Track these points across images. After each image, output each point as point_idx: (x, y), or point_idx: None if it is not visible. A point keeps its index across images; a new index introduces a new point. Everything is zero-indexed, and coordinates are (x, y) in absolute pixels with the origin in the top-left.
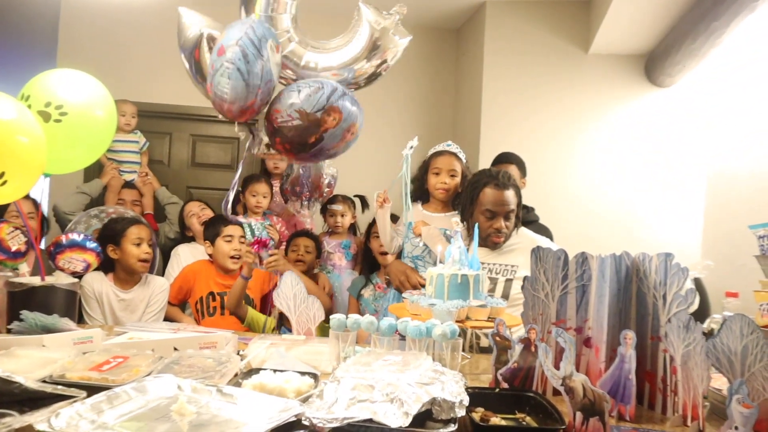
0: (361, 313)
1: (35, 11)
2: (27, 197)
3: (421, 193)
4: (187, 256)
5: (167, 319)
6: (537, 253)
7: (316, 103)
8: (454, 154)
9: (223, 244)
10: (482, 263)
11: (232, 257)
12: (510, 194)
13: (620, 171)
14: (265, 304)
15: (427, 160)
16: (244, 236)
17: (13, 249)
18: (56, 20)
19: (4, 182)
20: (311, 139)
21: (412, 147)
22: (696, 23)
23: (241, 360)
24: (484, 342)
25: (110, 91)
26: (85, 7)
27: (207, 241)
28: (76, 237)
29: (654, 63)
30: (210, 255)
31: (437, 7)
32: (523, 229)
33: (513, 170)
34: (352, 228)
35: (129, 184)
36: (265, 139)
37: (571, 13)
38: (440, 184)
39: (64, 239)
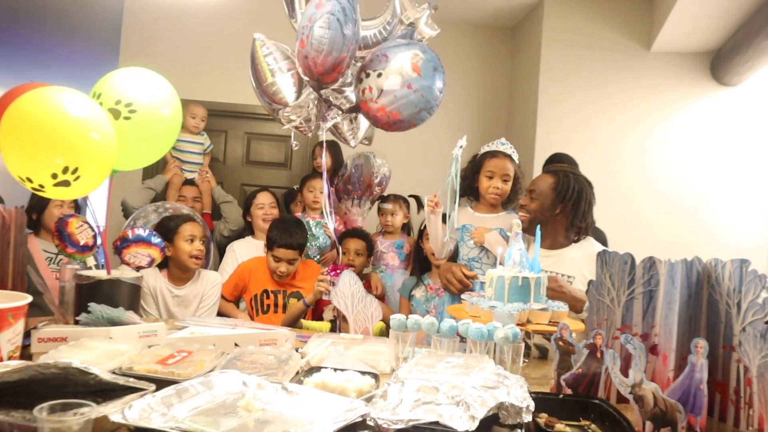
0: (413, 313)
1: (99, 10)
2: None
3: (470, 192)
4: (242, 251)
5: (222, 314)
6: (603, 256)
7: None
8: (509, 156)
9: (269, 259)
10: (543, 271)
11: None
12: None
13: (685, 173)
14: (317, 303)
15: (479, 160)
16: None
17: (82, 243)
18: (119, 19)
19: (78, 177)
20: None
21: (461, 147)
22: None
23: (301, 357)
24: (539, 338)
25: None
26: (146, 7)
27: (266, 246)
28: (141, 232)
29: (721, 61)
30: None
31: (492, 6)
32: (591, 241)
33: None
34: (406, 228)
35: (190, 181)
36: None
37: (632, 9)
38: (493, 189)
39: (130, 234)
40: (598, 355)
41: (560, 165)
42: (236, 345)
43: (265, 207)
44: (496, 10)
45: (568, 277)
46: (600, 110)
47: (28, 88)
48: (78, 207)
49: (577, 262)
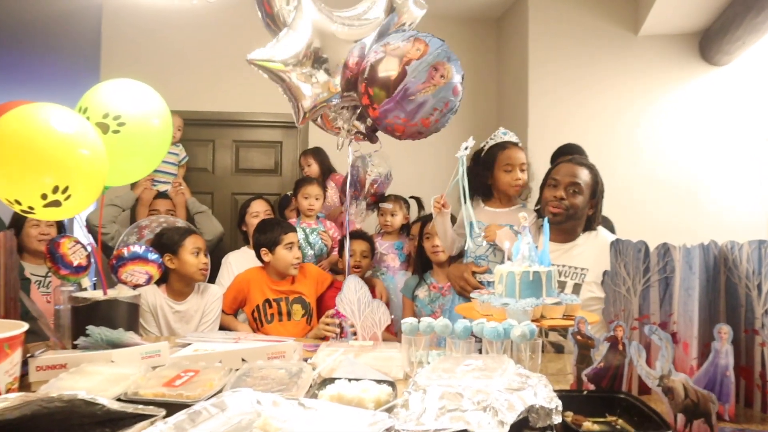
0: (417, 315)
1: (77, 24)
2: None
3: (481, 189)
4: (239, 262)
5: (223, 327)
6: (616, 246)
7: (402, 37)
8: (517, 145)
9: (285, 252)
10: (552, 264)
11: (293, 265)
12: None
13: (679, 154)
14: (320, 306)
15: (490, 155)
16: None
17: (75, 263)
18: (98, 32)
19: (68, 196)
20: (393, 75)
21: (467, 148)
22: None
23: (312, 369)
24: (553, 335)
25: None
26: (126, 19)
27: (265, 249)
28: (137, 249)
29: (710, 41)
30: (266, 262)
31: None
32: (601, 231)
33: None
34: (406, 229)
35: (163, 195)
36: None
37: None
38: (515, 181)
39: (125, 252)
40: (620, 347)
41: (575, 155)
42: (243, 360)
43: (260, 215)
44: (481, 2)
45: (582, 269)
46: (591, 97)
47: (12, 106)
48: (61, 226)
49: (589, 254)
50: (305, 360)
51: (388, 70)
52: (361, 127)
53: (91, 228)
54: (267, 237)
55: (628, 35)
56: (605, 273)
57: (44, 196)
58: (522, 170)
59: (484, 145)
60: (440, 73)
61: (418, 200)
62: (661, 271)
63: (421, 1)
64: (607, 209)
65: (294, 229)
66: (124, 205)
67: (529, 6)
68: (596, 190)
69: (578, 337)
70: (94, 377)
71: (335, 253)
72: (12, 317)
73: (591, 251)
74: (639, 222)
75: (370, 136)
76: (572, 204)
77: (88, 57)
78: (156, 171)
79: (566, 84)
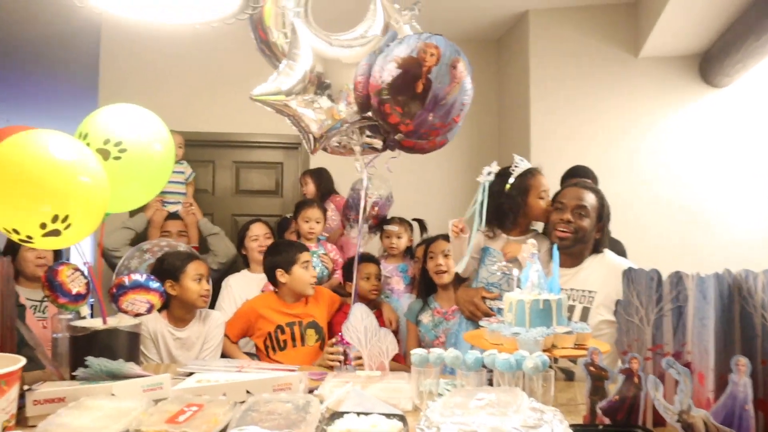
0: (421, 340)
1: (76, 46)
2: None
3: (508, 217)
4: (239, 286)
5: (224, 354)
6: (629, 275)
7: (408, 46)
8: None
9: (302, 271)
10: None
11: (311, 284)
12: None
13: (680, 176)
14: (331, 329)
15: (525, 181)
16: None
17: (74, 292)
18: (96, 52)
19: (68, 225)
20: (419, 86)
21: (490, 173)
22: (760, 18)
23: (320, 402)
24: (563, 361)
25: None
26: (124, 39)
27: (280, 270)
28: (138, 278)
29: (710, 63)
30: (283, 283)
31: (476, 19)
32: (607, 253)
33: None
34: (409, 251)
35: (174, 215)
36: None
37: (617, 17)
38: (549, 207)
39: (126, 280)
40: (636, 380)
41: (580, 179)
42: (248, 392)
43: (259, 238)
44: (481, 24)
45: (589, 292)
46: (593, 118)
47: (11, 131)
48: (57, 251)
49: (596, 277)
50: (311, 390)
51: (412, 83)
52: (375, 142)
53: (105, 253)
54: (282, 257)
55: (628, 57)
56: (618, 302)
57: (43, 225)
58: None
59: (503, 172)
60: (459, 68)
61: (420, 222)
62: (674, 300)
63: (417, 27)
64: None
65: (307, 249)
66: (137, 228)
67: (530, 27)
68: (602, 213)
69: (591, 368)
70: (93, 413)
71: (337, 275)
72: (9, 346)
73: (598, 274)
74: (639, 243)
75: (392, 145)
76: (580, 227)
77: (86, 77)
78: (165, 192)
79: (567, 105)
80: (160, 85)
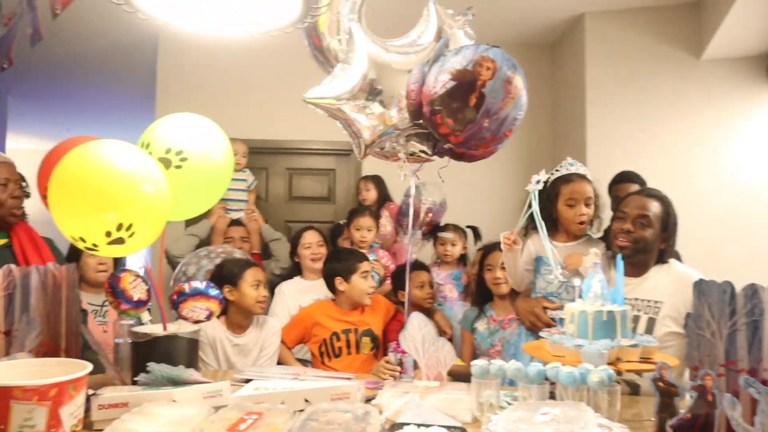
0: (476, 348)
1: (133, 56)
2: None
3: (546, 223)
4: (292, 293)
5: (280, 361)
6: (699, 287)
7: (464, 58)
8: (584, 177)
9: (361, 281)
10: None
11: (369, 294)
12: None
13: (745, 183)
14: (386, 337)
15: (553, 188)
16: None
17: (136, 298)
18: (154, 62)
19: (132, 234)
20: (471, 100)
21: (539, 182)
22: None
23: (378, 412)
24: (625, 389)
25: None
26: (180, 51)
27: (339, 278)
28: (199, 285)
29: None
30: (341, 291)
31: (530, 23)
32: (674, 263)
33: (636, 189)
34: (463, 259)
35: (236, 222)
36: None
37: (678, 18)
38: (579, 217)
39: (187, 288)
40: (709, 397)
41: (630, 185)
42: (306, 401)
43: (312, 246)
44: (534, 28)
45: (655, 302)
46: (652, 124)
47: (77, 142)
48: (117, 257)
49: (663, 287)
50: (367, 400)
51: (465, 96)
52: (420, 148)
53: (171, 260)
54: (342, 265)
55: (690, 59)
56: (688, 315)
57: (108, 234)
58: (587, 204)
59: (550, 177)
60: (514, 84)
61: (474, 230)
62: (749, 313)
63: (470, 32)
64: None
65: (367, 258)
66: (201, 235)
67: (586, 30)
68: (668, 222)
69: (660, 383)
70: (156, 420)
71: (389, 282)
72: (74, 350)
73: (664, 283)
74: (697, 253)
75: (441, 152)
76: (641, 237)
77: (144, 86)
78: (228, 199)
79: (625, 110)
80: (214, 94)
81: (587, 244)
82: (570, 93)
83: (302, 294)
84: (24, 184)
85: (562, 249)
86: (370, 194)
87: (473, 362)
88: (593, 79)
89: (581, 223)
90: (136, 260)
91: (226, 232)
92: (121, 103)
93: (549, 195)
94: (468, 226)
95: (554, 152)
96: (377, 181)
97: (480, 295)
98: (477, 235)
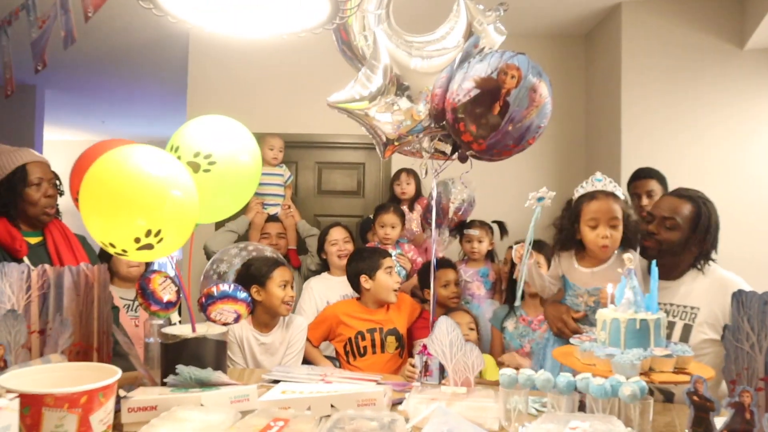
0: (505, 347)
1: (166, 52)
2: None
3: (570, 241)
4: (320, 288)
5: (306, 359)
6: (739, 297)
7: (488, 66)
8: (611, 195)
9: (386, 277)
10: (658, 303)
11: (394, 290)
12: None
13: None
14: (410, 337)
15: (576, 207)
16: None
17: (165, 299)
18: (185, 59)
19: (161, 239)
20: (495, 108)
21: (541, 199)
22: None
23: (405, 420)
24: (658, 396)
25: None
26: (211, 46)
27: (365, 276)
28: (227, 288)
29: None
30: (367, 289)
31: (563, 14)
32: (713, 266)
33: (654, 185)
34: (490, 255)
35: (273, 218)
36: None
37: (720, 6)
38: (602, 241)
39: (215, 290)
40: (747, 415)
41: (648, 181)
42: (332, 406)
43: (338, 243)
44: (568, 19)
45: (692, 308)
46: (691, 117)
47: (106, 146)
48: None
49: (700, 292)
50: (394, 403)
51: (489, 104)
52: (444, 147)
53: (208, 254)
54: (366, 264)
55: (732, 49)
56: (726, 327)
57: (137, 240)
58: (613, 226)
59: (548, 193)
60: (539, 92)
61: (501, 225)
62: None
63: (501, 28)
64: None
65: (390, 254)
66: (239, 230)
67: (622, 20)
68: (699, 224)
69: (695, 397)
70: (184, 425)
71: (416, 277)
72: (105, 351)
73: (702, 288)
74: (742, 253)
75: (462, 157)
76: (665, 239)
77: (175, 82)
78: (265, 194)
79: (663, 104)
80: (244, 88)
81: (616, 265)
82: (605, 86)
83: (330, 290)
84: (58, 182)
85: (588, 274)
86: (410, 188)
87: (501, 371)
88: (629, 71)
89: (604, 246)
90: (168, 261)
91: (263, 227)
92: (154, 97)
93: (572, 214)
94: (494, 221)
95: (588, 147)
96: (415, 174)
97: (511, 292)
98: (503, 230)
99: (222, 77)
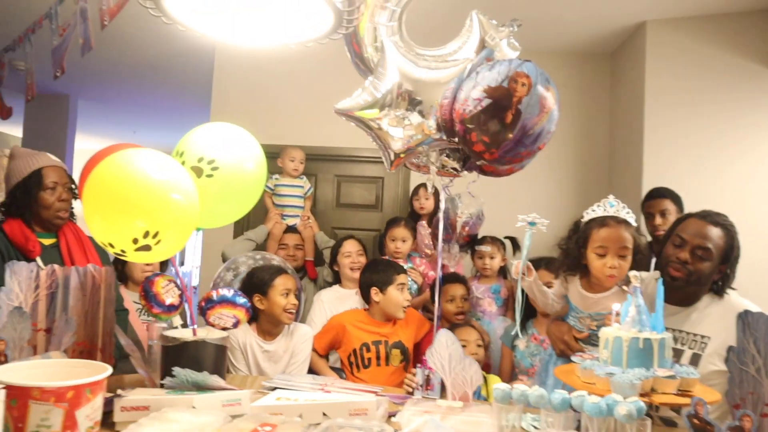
0: (515, 366)
1: (191, 65)
2: None
3: (576, 266)
4: (331, 301)
5: (312, 369)
6: (745, 318)
7: (498, 74)
8: (623, 222)
9: (396, 293)
10: (666, 329)
11: (403, 307)
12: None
13: None
14: (416, 352)
15: (585, 232)
16: None
17: (168, 302)
18: (211, 70)
19: (158, 241)
20: (507, 117)
21: (533, 224)
22: None
23: (395, 431)
24: (664, 409)
25: (258, 137)
26: (235, 58)
27: (375, 288)
28: (226, 293)
29: None
30: (376, 302)
31: (588, 31)
32: (730, 294)
33: (668, 205)
34: (502, 271)
35: (292, 228)
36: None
37: (749, 26)
38: (609, 270)
39: (214, 295)
40: None
41: (662, 201)
42: (325, 415)
43: (352, 255)
44: (593, 36)
45: (702, 337)
46: (716, 138)
47: (114, 150)
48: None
49: (712, 320)
50: (392, 415)
51: (501, 114)
52: (451, 164)
53: (226, 261)
54: (379, 276)
55: (761, 70)
56: (730, 349)
57: (135, 241)
58: (622, 256)
59: (536, 219)
60: (548, 99)
61: (513, 240)
62: None
63: (515, 43)
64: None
65: (405, 271)
66: (258, 239)
67: (647, 39)
68: (729, 255)
69: (695, 420)
70: (171, 426)
71: (428, 292)
72: (107, 351)
73: (715, 318)
74: (759, 284)
75: (472, 168)
76: (697, 269)
77: (201, 94)
78: (285, 206)
79: (687, 122)
80: (266, 100)
81: (620, 293)
82: (628, 105)
83: (341, 302)
84: (73, 186)
85: (593, 300)
86: (429, 203)
87: (495, 386)
88: (653, 90)
89: (611, 276)
90: (189, 264)
91: (282, 238)
92: (182, 108)
93: (579, 238)
94: (506, 237)
95: (611, 167)
96: (436, 190)
97: (523, 310)
98: (516, 245)
99: (245, 89)
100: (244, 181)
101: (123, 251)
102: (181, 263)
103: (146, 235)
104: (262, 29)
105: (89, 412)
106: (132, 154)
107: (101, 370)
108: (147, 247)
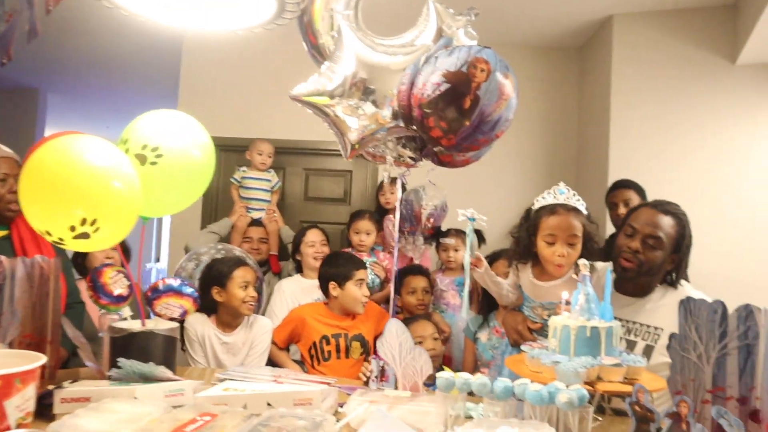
0: (478, 358)
1: (158, 59)
2: None
3: (527, 254)
4: (292, 290)
5: (272, 362)
6: (686, 305)
7: (457, 59)
8: (573, 210)
9: (355, 288)
10: (618, 320)
11: (362, 303)
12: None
13: None
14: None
15: (534, 220)
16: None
17: (116, 293)
18: (178, 64)
19: (97, 229)
20: (466, 102)
21: (473, 219)
22: None
23: (338, 420)
24: (617, 401)
25: (226, 129)
26: (204, 51)
27: (334, 283)
28: (172, 282)
29: None
30: (334, 296)
31: (556, 26)
32: (684, 287)
33: (632, 195)
34: None
35: (257, 222)
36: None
37: (713, 21)
38: (557, 258)
39: (161, 284)
40: (684, 426)
41: (625, 191)
42: (269, 405)
43: (315, 245)
44: (562, 30)
45: (655, 329)
46: (681, 132)
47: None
48: (126, 249)
49: (666, 312)
50: (340, 405)
51: (459, 99)
52: (408, 153)
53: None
54: (338, 271)
55: (724, 64)
56: (672, 336)
57: (72, 228)
58: (571, 244)
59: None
60: (507, 86)
61: (478, 233)
62: (742, 336)
63: (472, 32)
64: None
65: (365, 266)
66: (221, 232)
67: (613, 33)
68: (681, 244)
69: (636, 407)
70: (108, 417)
71: (391, 285)
72: (55, 343)
73: (668, 309)
74: (720, 275)
75: (429, 155)
76: (648, 259)
77: (169, 87)
78: (251, 198)
79: (653, 118)
80: (234, 93)
81: (570, 282)
82: (595, 99)
83: (303, 293)
84: None
85: (544, 288)
86: (395, 197)
87: (438, 374)
88: (619, 83)
89: (559, 265)
90: (165, 258)
91: (246, 231)
92: (152, 102)
93: (529, 226)
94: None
95: (579, 160)
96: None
97: (486, 302)
98: (481, 238)
99: (213, 83)
100: (190, 169)
101: (61, 239)
102: (157, 259)
103: (84, 222)
104: (208, 14)
105: (19, 403)
106: (71, 140)
107: (35, 360)
108: (85, 235)
